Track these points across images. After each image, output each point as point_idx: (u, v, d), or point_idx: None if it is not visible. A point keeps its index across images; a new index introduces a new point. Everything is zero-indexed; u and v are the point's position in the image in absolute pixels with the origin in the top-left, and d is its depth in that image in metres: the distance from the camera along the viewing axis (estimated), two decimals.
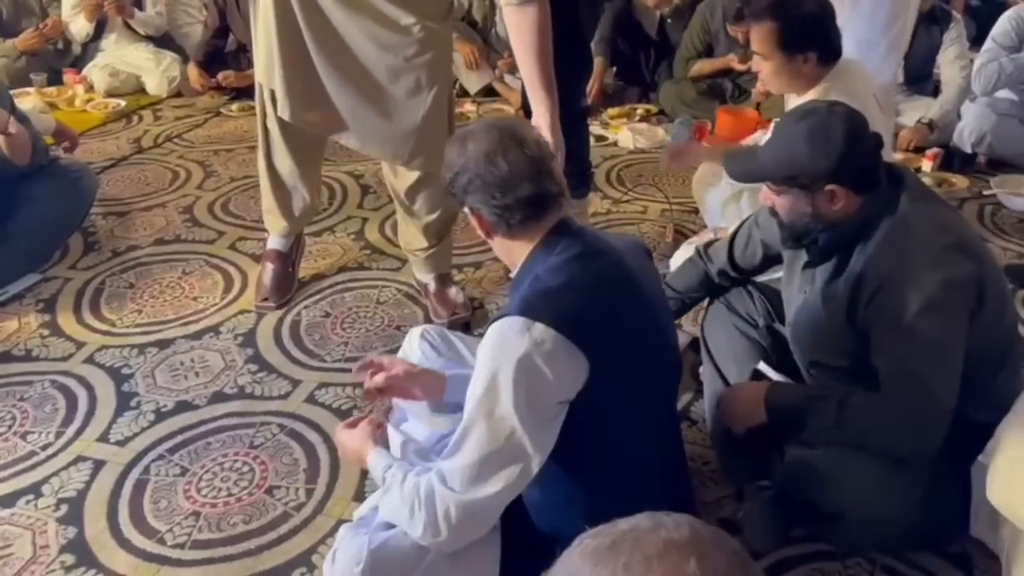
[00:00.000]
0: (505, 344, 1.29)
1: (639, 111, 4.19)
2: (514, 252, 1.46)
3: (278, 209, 2.56)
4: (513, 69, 4.26)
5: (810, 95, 2.23)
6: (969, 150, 3.59)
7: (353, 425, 1.59)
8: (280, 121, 2.35)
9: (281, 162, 2.47)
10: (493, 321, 1.35)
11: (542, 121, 2.06)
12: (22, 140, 2.56)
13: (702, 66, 3.95)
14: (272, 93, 2.31)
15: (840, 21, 2.24)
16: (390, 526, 1.45)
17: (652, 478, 1.48)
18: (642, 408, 1.43)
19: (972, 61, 3.56)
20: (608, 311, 1.36)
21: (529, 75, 2.07)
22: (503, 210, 1.39)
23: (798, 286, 1.79)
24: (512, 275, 1.49)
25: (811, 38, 2.16)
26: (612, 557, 0.63)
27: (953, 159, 3.59)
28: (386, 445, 1.53)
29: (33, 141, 2.64)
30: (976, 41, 3.89)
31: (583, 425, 1.36)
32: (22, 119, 2.65)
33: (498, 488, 1.32)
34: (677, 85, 3.94)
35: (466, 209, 1.46)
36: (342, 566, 1.38)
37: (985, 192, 3.37)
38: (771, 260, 2.02)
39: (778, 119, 1.71)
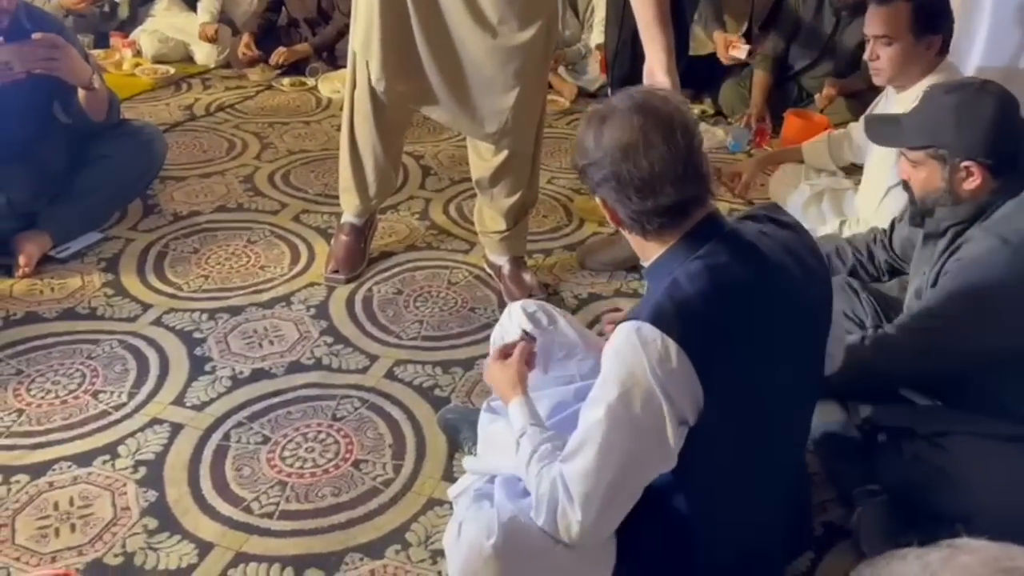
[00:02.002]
0: (635, 351, 1.20)
1: (696, 112, 4.13)
2: (647, 250, 1.35)
3: (355, 188, 2.49)
4: (566, 63, 4.21)
5: (916, 88, 2.22)
6: None
7: (506, 355, 1.52)
8: (371, 94, 2.29)
9: (364, 137, 2.40)
10: (624, 321, 1.26)
11: (656, 62, 1.94)
12: (101, 96, 2.50)
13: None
14: (366, 64, 2.25)
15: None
16: (512, 495, 1.40)
17: (768, 499, 1.41)
18: (762, 438, 1.34)
19: None
20: (743, 334, 1.26)
21: (642, 11, 1.96)
22: (639, 215, 1.28)
23: (917, 268, 1.77)
24: (643, 263, 1.40)
25: (940, 22, 2.18)
26: None
27: None
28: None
29: (109, 97, 2.57)
30: None
31: (696, 449, 1.27)
32: (97, 71, 2.59)
33: (620, 499, 1.26)
34: (738, 85, 3.87)
35: (597, 198, 1.36)
36: (471, 538, 1.32)
37: None
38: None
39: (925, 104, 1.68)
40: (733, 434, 1.28)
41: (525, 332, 1.63)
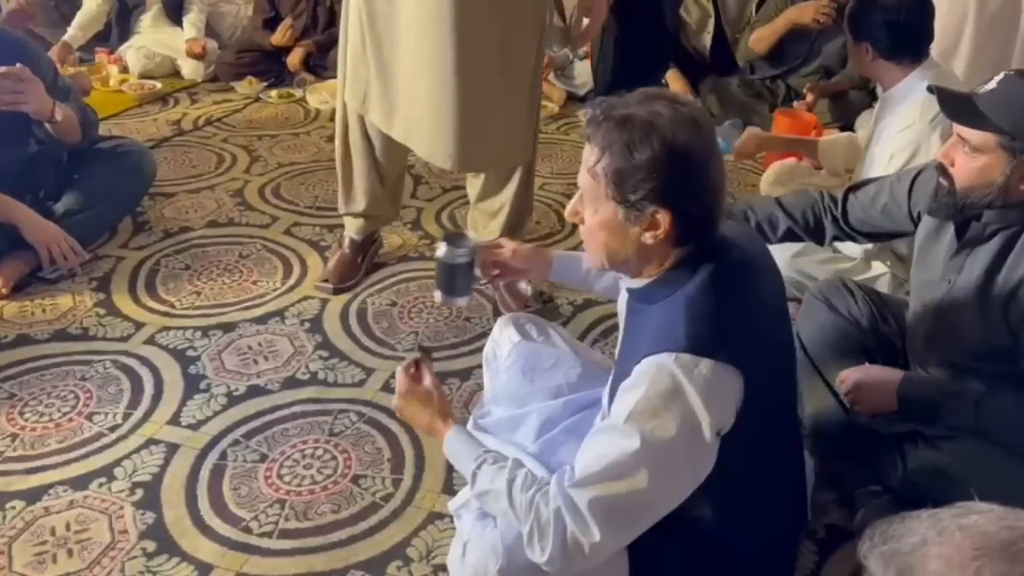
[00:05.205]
0: (675, 380, 1.17)
1: None
2: (643, 258, 1.28)
3: (350, 211, 2.52)
4: (555, 68, 4.21)
5: (901, 84, 2.29)
6: None
7: (417, 378, 1.46)
8: (364, 137, 2.35)
9: (360, 172, 2.43)
10: (651, 354, 1.21)
11: None
12: (70, 124, 2.47)
13: (763, 34, 3.68)
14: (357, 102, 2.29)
15: None
16: None
17: (786, 492, 1.42)
18: (779, 425, 1.37)
19: None
20: (761, 331, 1.29)
21: None
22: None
23: (940, 274, 1.67)
24: (626, 277, 1.35)
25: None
26: (1007, 559, 0.56)
27: None
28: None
29: (82, 116, 2.54)
30: None
31: (722, 457, 1.25)
32: (67, 90, 2.57)
33: (646, 522, 1.23)
34: (727, 85, 3.87)
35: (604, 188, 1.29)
36: (476, 562, 1.30)
37: None
38: (878, 235, 1.92)
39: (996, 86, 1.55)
40: (756, 438, 1.28)
41: (420, 346, 1.57)
